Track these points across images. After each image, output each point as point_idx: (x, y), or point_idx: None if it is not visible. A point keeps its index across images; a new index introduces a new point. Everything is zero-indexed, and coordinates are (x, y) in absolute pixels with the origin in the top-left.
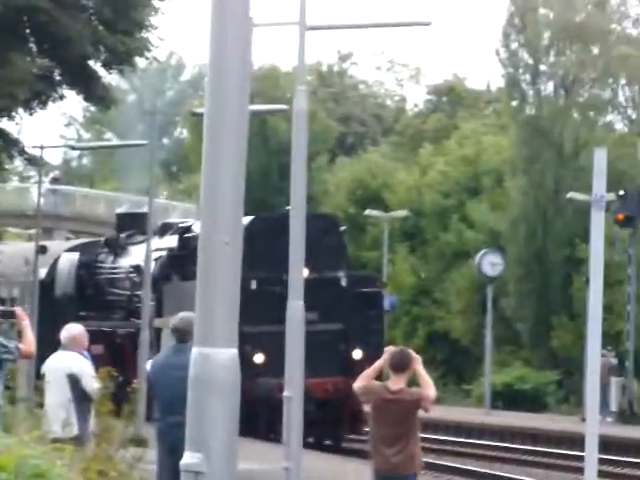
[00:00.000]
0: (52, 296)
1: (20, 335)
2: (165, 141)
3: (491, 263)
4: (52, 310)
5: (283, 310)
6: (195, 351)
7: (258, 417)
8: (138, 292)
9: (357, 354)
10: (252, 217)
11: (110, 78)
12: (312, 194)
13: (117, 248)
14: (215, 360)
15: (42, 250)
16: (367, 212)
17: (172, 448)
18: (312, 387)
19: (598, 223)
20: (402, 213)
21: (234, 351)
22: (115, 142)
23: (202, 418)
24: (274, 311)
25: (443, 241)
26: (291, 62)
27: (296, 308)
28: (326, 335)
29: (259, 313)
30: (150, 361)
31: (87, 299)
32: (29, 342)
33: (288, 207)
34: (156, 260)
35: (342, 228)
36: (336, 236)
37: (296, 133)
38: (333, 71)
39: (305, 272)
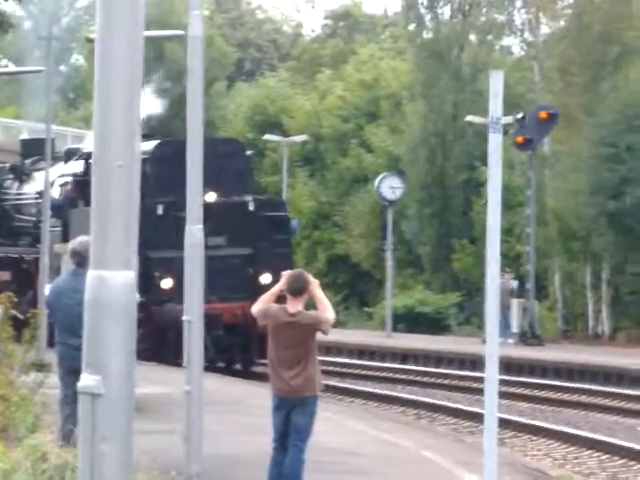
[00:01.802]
0: None
1: None
2: (62, 68)
3: (390, 187)
4: None
5: None
6: (91, 274)
7: (166, 342)
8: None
9: (265, 278)
10: (157, 142)
11: (5, 5)
12: (211, 120)
13: (22, 174)
14: (110, 283)
15: None
16: (266, 137)
17: (73, 371)
18: (221, 312)
19: (495, 146)
20: (301, 138)
21: (130, 273)
22: (12, 69)
23: (98, 341)
24: (181, 236)
25: (342, 165)
26: None
27: (195, 232)
28: (234, 259)
29: (166, 238)
30: (48, 286)
31: None
32: None
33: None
34: (61, 186)
35: (249, 153)
36: (243, 161)
37: (191, 58)
38: None
39: (212, 197)
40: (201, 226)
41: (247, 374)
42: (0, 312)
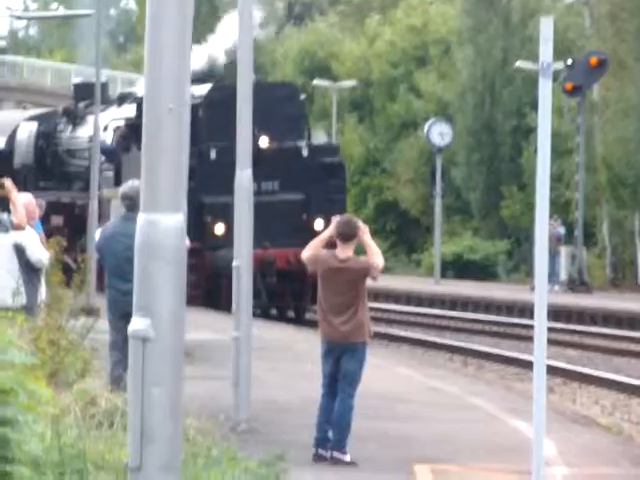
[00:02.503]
0: (11, 167)
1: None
2: (112, 12)
3: (440, 133)
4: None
5: None
6: (141, 217)
7: (219, 289)
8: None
9: (319, 224)
10: (211, 85)
11: None
12: (260, 64)
13: (75, 118)
14: (161, 226)
15: None
16: (315, 82)
17: (123, 315)
18: (274, 258)
19: (545, 91)
20: (350, 83)
21: (180, 217)
22: (62, 12)
23: (149, 284)
24: (234, 181)
25: (391, 111)
26: None
27: (244, 177)
28: (287, 205)
29: (219, 183)
30: (99, 230)
31: (46, 170)
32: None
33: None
34: (114, 130)
35: (303, 97)
36: (297, 105)
37: (241, 2)
38: None
39: (265, 141)
40: (250, 170)
41: (300, 321)
42: (49, 256)
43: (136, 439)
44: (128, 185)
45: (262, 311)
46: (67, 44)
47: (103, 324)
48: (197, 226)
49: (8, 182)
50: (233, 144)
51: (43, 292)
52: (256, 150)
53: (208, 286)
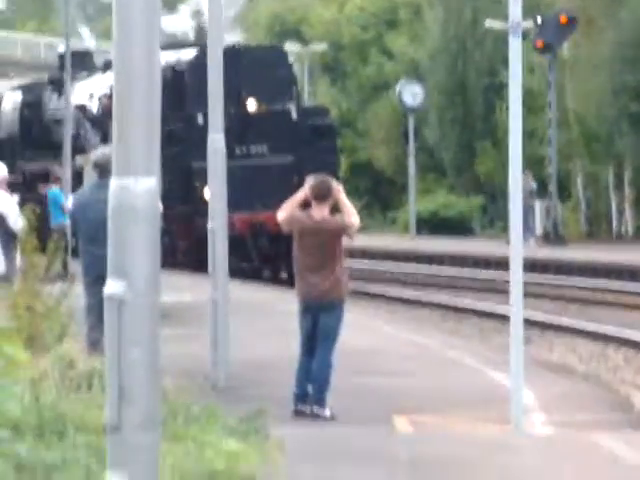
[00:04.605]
0: None
1: None
2: None
3: (411, 93)
4: None
5: (232, 143)
6: (114, 182)
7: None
8: (83, 131)
9: None
10: (197, 50)
11: None
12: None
13: (61, 87)
14: (134, 189)
15: None
16: (286, 46)
17: (98, 279)
18: (265, 220)
19: (516, 50)
20: (321, 47)
21: (153, 180)
22: None
23: (123, 247)
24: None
25: (363, 73)
26: None
27: (216, 141)
28: (277, 168)
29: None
30: (71, 197)
31: (33, 139)
32: None
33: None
34: (99, 98)
35: (291, 60)
36: (285, 68)
37: None
38: None
39: (254, 105)
40: (222, 135)
41: (293, 283)
42: (22, 223)
43: (114, 399)
44: (100, 152)
45: (254, 274)
46: (38, 16)
47: (79, 289)
48: (186, 191)
49: None
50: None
51: (18, 259)
52: (244, 114)
53: (198, 251)
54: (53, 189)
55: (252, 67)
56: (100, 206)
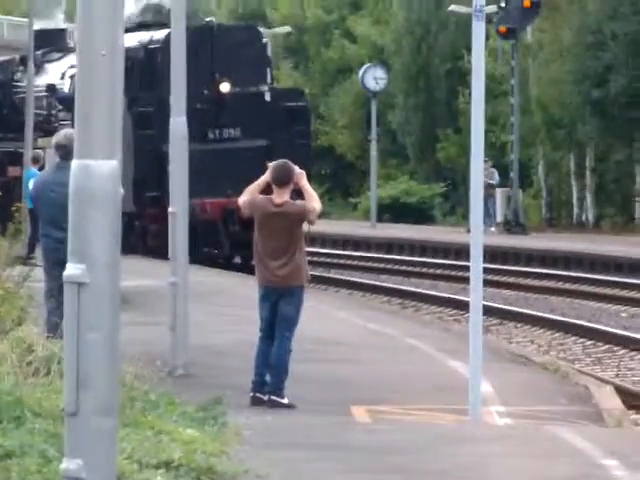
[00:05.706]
0: None
1: None
2: None
3: (374, 77)
4: None
5: (205, 127)
6: (75, 164)
7: None
8: (54, 112)
9: None
10: (169, 30)
11: None
12: (193, 10)
13: (34, 66)
14: (95, 172)
15: None
16: None
17: (58, 263)
18: (237, 206)
19: (479, 34)
20: (284, 29)
21: (114, 162)
22: None
23: (83, 230)
24: (196, 129)
25: (326, 57)
26: None
27: (178, 124)
28: (250, 152)
29: None
30: (32, 179)
31: (3, 119)
32: None
33: (209, 18)
34: (71, 77)
35: (265, 40)
36: (259, 48)
37: None
38: None
39: (226, 87)
40: (184, 118)
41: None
42: None
43: (72, 384)
44: (62, 134)
45: (226, 261)
46: None
47: (39, 273)
48: (157, 175)
49: None
50: (195, 90)
51: None
52: (217, 96)
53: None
54: (31, 170)
55: (225, 47)
56: (61, 189)
